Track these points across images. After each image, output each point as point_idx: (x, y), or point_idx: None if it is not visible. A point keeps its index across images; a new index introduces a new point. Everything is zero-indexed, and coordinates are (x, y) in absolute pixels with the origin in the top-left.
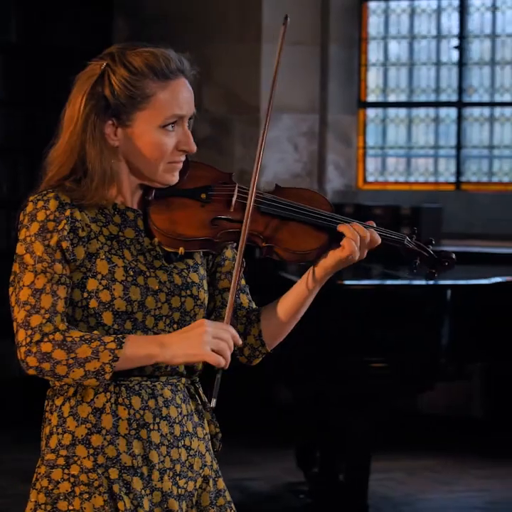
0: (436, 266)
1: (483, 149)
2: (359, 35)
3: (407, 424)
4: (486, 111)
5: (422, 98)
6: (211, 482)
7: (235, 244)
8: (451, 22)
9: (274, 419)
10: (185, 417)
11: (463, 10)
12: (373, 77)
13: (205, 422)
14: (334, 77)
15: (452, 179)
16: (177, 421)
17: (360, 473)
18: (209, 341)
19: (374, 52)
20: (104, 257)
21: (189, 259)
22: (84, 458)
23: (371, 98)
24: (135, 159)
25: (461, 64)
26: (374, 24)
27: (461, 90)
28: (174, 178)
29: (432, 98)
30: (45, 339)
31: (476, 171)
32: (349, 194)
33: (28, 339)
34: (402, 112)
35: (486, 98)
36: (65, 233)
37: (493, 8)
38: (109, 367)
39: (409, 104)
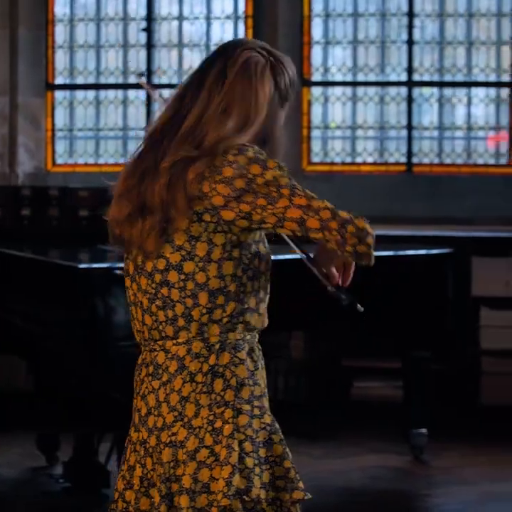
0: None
1: None
2: (46, 17)
3: None
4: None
5: (111, 80)
6: None
7: None
8: (138, 5)
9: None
10: None
11: None
12: (61, 60)
13: None
14: (23, 59)
15: None
16: None
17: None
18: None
19: (61, 35)
20: None
21: None
22: (268, 408)
23: (59, 80)
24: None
25: (150, 46)
26: (60, 7)
27: (149, 72)
28: None
29: (121, 80)
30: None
31: None
32: (39, 176)
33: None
34: (91, 94)
35: (174, 80)
36: None
37: None
38: None
39: (96, 86)
